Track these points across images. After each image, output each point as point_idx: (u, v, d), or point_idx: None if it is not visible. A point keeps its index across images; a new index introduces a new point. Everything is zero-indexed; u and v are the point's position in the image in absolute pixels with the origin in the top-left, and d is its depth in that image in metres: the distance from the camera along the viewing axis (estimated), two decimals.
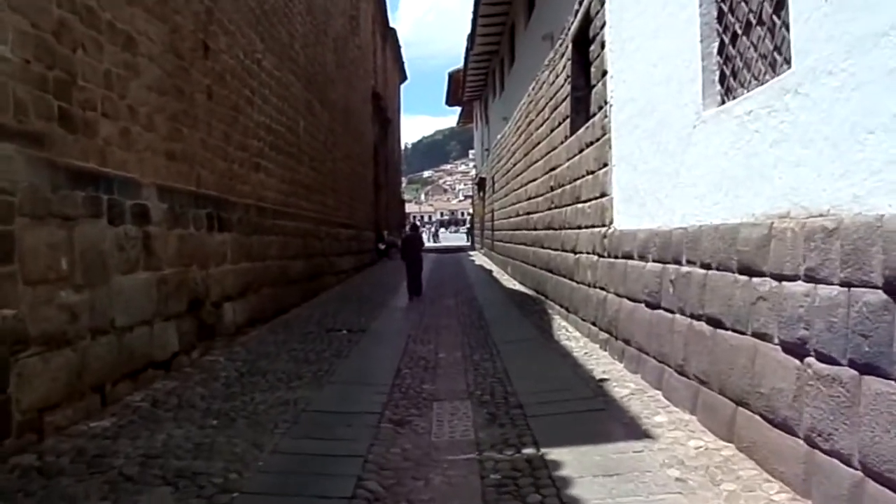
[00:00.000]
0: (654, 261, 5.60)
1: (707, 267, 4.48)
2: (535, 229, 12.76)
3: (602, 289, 7.29)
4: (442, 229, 67.60)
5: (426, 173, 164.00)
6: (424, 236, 47.13)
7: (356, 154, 20.12)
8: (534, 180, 13.14)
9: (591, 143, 7.93)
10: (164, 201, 6.38)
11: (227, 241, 8.15)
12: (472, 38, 22.36)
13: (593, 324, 7.66)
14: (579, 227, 8.60)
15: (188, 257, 6.91)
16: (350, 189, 18.72)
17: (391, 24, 32.35)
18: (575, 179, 8.90)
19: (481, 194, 31.26)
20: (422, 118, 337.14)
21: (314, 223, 13.38)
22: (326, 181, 15.08)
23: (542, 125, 12.15)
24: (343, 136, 17.57)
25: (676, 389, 4.90)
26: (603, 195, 7.41)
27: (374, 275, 19.35)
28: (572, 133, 9.28)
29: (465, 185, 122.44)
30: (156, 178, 6.30)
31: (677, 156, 5.23)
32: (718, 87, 4.73)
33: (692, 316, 4.69)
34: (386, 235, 27.69)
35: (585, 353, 7.13)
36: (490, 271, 19.89)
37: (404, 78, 38.53)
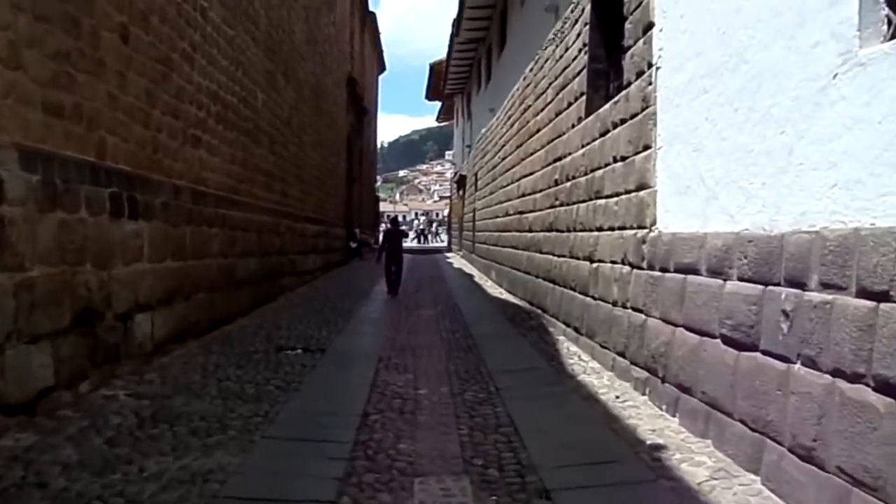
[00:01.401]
0: (743, 279, 3.84)
1: (880, 297, 2.72)
2: (531, 231, 10.99)
3: (638, 311, 5.52)
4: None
5: (402, 173, 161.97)
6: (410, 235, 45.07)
7: (327, 142, 18.17)
8: (529, 175, 11.38)
9: (623, 122, 6.18)
10: (34, 171, 4.45)
11: (145, 231, 6.22)
12: (457, 22, 20.58)
13: (621, 355, 5.89)
14: (598, 230, 6.84)
15: (76, 252, 4.98)
16: (319, 180, 16.78)
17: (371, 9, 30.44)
18: (593, 170, 7.14)
19: (460, 193, 29.50)
20: (399, 117, 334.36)
21: (273, 216, 11.44)
22: (290, 168, 13.14)
23: (542, 110, 10.39)
24: (312, 120, 15.64)
25: (801, 485, 3.13)
26: (641, 187, 5.65)
27: (343, 276, 17.42)
28: (589, 113, 7.52)
29: (440, 185, 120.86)
30: (22, 138, 4.36)
31: (793, 124, 3.48)
32: (887, 9, 2.98)
33: (841, 375, 2.92)
34: (358, 233, 25.75)
35: (617, 396, 5.35)
36: (471, 276, 18.10)
37: (383, 68, 36.59)
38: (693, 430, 4.30)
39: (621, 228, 6.10)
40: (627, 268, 5.86)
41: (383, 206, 73.27)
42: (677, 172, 5.00)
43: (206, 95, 8.02)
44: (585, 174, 7.47)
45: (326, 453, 4.17)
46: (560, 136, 9.01)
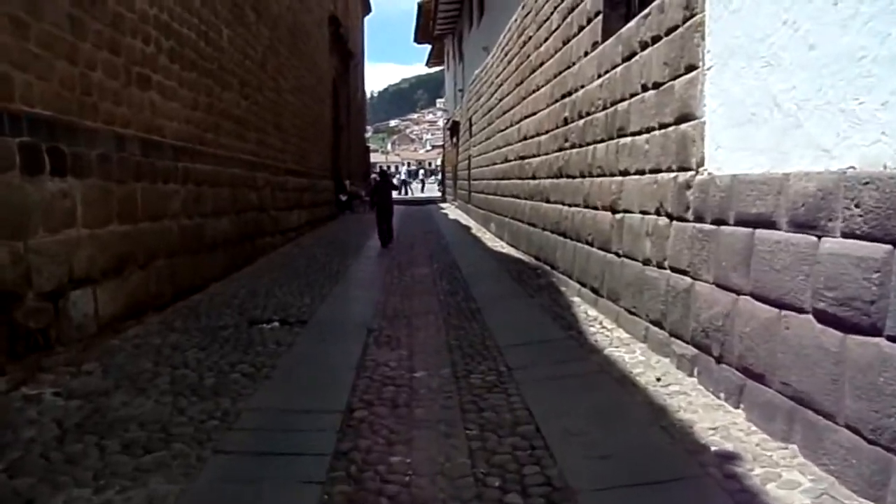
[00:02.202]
0: (854, 235, 2.81)
1: None
2: (535, 178, 9.89)
3: (681, 272, 4.50)
4: (413, 180, 58.43)
5: (392, 122, 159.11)
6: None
7: (310, 87, 16.82)
8: (532, 115, 10.21)
9: (656, 40, 5.03)
10: None
11: (77, 191, 5.12)
12: None
13: (656, 324, 4.89)
14: (623, 174, 5.76)
15: None
16: (301, 129, 15.52)
17: None
18: (614, 103, 6.01)
19: (454, 140, 28.19)
20: (388, 66, 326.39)
21: (248, 168, 10.29)
22: (267, 116, 11.90)
23: (546, 40, 9.16)
24: (291, 63, 14.29)
25: None
26: (682, 119, 4.56)
27: (331, 232, 16.35)
28: (607, 36, 6.35)
29: (432, 134, 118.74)
30: None
31: None
32: None
33: None
34: (348, 185, 24.52)
35: (658, 378, 4.37)
36: (468, 228, 17.06)
37: (368, 9, 34.60)
38: (770, 430, 3.34)
39: (654, 171, 5.03)
40: (664, 219, 4.81)
41: (375, 157, 71.47)
42: (736, 97, 3.91)
43: (154, 27, 6.79)
44: (604, 109, 6.35)
45: (297, 474, 3.21)
46: (569, 67, 7.83)
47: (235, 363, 4.99)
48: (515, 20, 12.01)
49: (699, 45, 4.33)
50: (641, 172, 5.31)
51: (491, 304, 7.18)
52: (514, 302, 7.30)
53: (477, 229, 16.32)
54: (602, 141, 6.39)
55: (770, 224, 3.44)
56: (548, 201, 8.89)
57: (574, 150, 7.49)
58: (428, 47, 36.16)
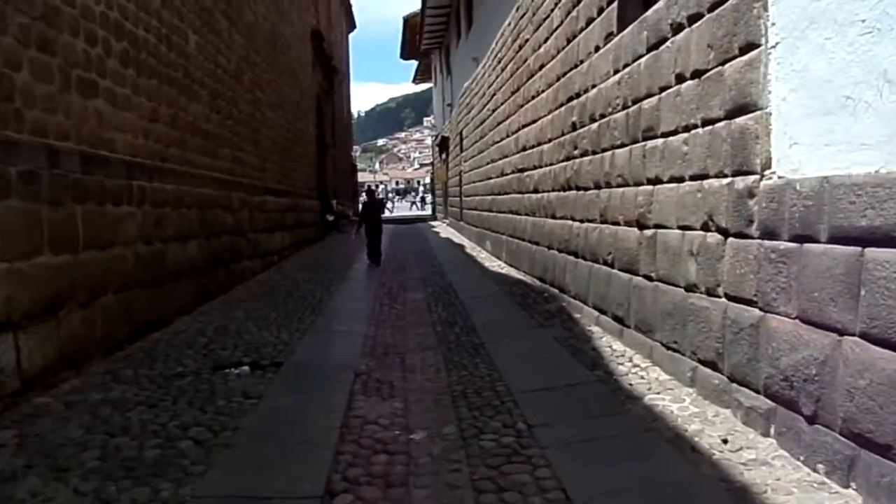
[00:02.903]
0: None
1: None
2: (537, 191, 9.01)
3: (744, 302, 3.58)
4: (398, 197, 57.09)
5: (380, 141, 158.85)
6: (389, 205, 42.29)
7: (292, 103, 15.94)
8: (531, 123, 9.35)
9: (696, 18, 4.16)
10: None
11: None
12: None
13: (709, 365, 3.96)
14: (653, 182, 4.86)
15: None
16: (283, 146, 14.61)
17: None
18: (638, 99, 5.13)
19: (443, 156, 27.38)
20: (375, 85, 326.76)
21: (221, 187, 9.33)
22: (243, 131, 10.98)
23: (546, 40, 8.33)
24: (270, 76, 13.40)
25: None
26: (738, 111, 3.67)
27: (316, 254, 15.36)
28: (624, 25, 5.49)
29: (420, 153, 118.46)
30: None
31: None
32: None
33: None
34: (335, 205, 23.60)
35: (724, 440, 3.41)
36: (461, 247, 16.14)
37: (353, 26, 33.96)
38: None
39: (698, 177, 4.13)
40: (716, 236, 3.90)
41: (363, 177, 70.57)
42: (819, 78, 3.03)
43: (101, 25, 5.86)
44: (624, 108, 5.47)
45: None
46: (576, 67, 6.98)
47: (189, 425, 4.01)
48: (509, 24, 11.21)
49: (760, 18, 3.46)
50: (678, 179, 4.41)
51: (496, 336, 6.24)
52: (522, 333, 6.36)
53: (471, 248, 15.40)
54: (622, 146, 5.50)
55: (891, 241, 2.54)
56: (553, 217, 7.98)
57: (586, 159, 6.60)
58: (414, 64, 35.52)
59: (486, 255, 13.73)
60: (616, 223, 5.66)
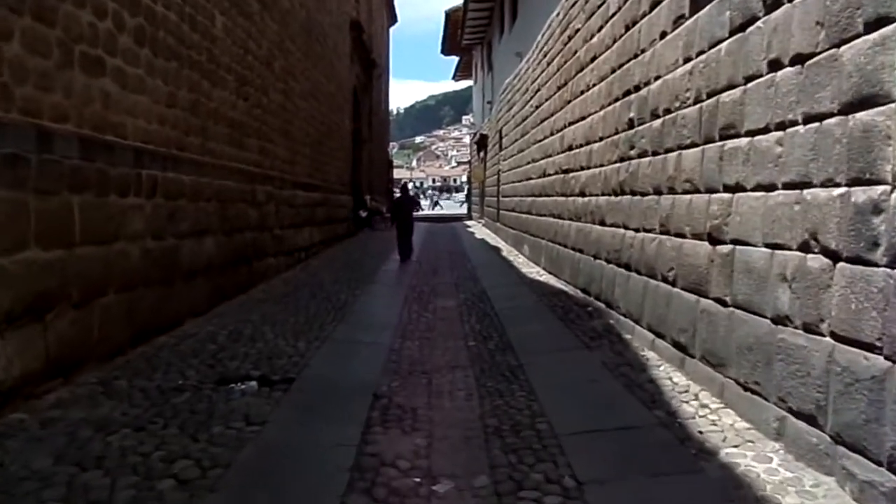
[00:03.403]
0: None
1: None
2: (583, 195, 8.26)
3: (864, 347, 2.81)
4: (444, 195, 55.54)
5: (418, 139, 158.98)
6: (425, 203, 42.27)
7: (327, 94, 15.42)
8: (579, 120, 8.61)
9: None
10: None
11: None
12: None
13: (805, 418, 3.20)
14: (733, 189, 4.10)
15: None
16: (316, 138, 14.09)
17: None
18: (715, 92, 4.37)
19: (481, 155, 26.67)
20: (414, 83, 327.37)
21: (245, 180, 8.80)
22: (273, 122, 10.45)
23: (600, 29, 7.58)
24: (305, 65, 12.88)
25: None
26: (859, 105, 2.91)
27: (346, 252, 14.81)
28: (698, 6, 4.73)
29: (458, 151, 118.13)
30: None
31: None
32: None
33: None
34: (369, 201, 23.10)
35: None
36: (497, 249, 15.43)
37: (394, 20, 33.42)
38: None
39: (797, 186, 3.37)
40: (821, 258, 3.14)
41: (399, 173, 70.27)
42: None
43: None
44: (696, 102, 4.71)
45: None
46: (635, 56, 6.22)
47: (175, 457, 3.41)
48: (557, 14, 10.47)
49: None
50: (768, 187, 3.65)
51: (536, 358, 5.54)
52: (566, 355, 5.64)
53: (508, 251, 14.68)
54: (692, 145, 4.75)
55: None
56: (602, 223, 7.23)
57: (644, 160, 5.84)
58: (454, 61, 34.92)
59: (523, 259, 12.99)
60: (680, 235, 4.91)
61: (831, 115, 3.11)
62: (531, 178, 12.66)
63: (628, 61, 6.45)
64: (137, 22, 5.78)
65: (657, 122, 5.52)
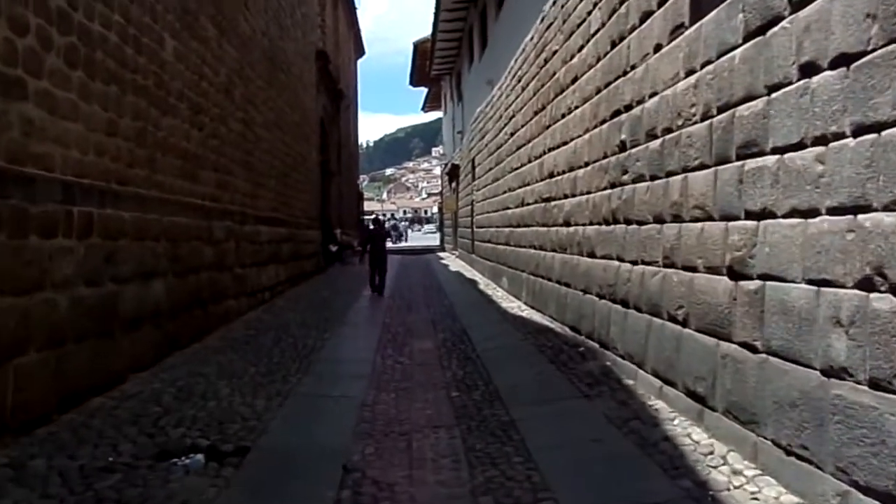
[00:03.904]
0: None
1: None
2: (568, 224, 7.69)
3: None
4: (414, 226, 54.08)
5: (388, 171, 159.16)
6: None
7: (292, 125, 14.79)
8: (561, 145, 8.09)
9: None
10: None
11: None
12: None
13: (883, 498, 2.59)
14: (759, 216, 3.53)
15: None
16: (281, 171, 13.41)
17: None
18: (728, 106, 3.83)
19: (453, 185, 26.21)
20: (384, 116, 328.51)
21: (201, 216, 8.07)
22: (234, 153, 9.76)
23: (582, 48, 7.11)
24: (268, 93, 12.25)
25: None
26: None
27: (315, 290, 14.02)
28: (699, 14, 4.23)
29: (428, 182, 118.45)
30: None
31: None
32: None
33: None
34: (339, 235, 22.36)
35: None
36: (474, 282, 14.80)
37: (362, 52, 33.12)
38: None
39: (849, 210, 2.81)
40: (892, 300, 2.56)
41: (370, 206, 69.49)
42: None
43: (35, 11, 4.64)
44: (704, 118, 4.17)
45: None
46: (624, 73, 5.72)
47: None
48: (531, 38, 10.05)
49: None
50: (808, 213, 3.09)
51: (530, 410, 4.87)
52: (563, 406, 4.98)
53: (485, 284, 14.06)
54: (702, 167, 4.19)
55: None
56: (592, 255, 6.65)
57: (641, 185, 5.29)
58: (423, 94, 34.71)
59: (502, 293, 12.37)
60: (691, 268, 4.32)
61: (894, 123, 2.56)
62: (508, 208, 12.12)
63: (616, 79, 5.94)
64: (69, 41, 5.09)
65: (655, 144, 4.98)
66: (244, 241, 10.00)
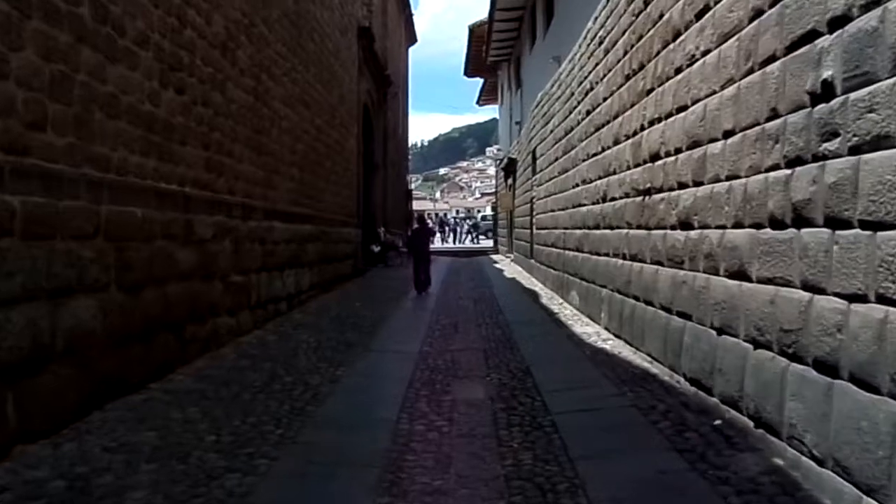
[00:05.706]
0: None
1: None
2: (689, 226, 5.26)
3: None
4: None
5: (442, 171, 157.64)
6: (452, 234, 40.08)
7: (325, 105, 12.70)
8: (677, 112, 5.66)
9: None
10: None
11: None
12: None
13: None
14: None
15: None
16: (308, 158, 11.32)
17: None
18: None
19: (509, 182, 23.84)
20: (439, 116, 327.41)
21: (173, 207, 5.97)
22: (236, 129, 7.67)
23: None
24: (291, 63, 10.16)
25: None
26: None
27: (346, 298, 11.84)
28: None
29: (481, 182, 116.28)
30: None
31: None
32: None
33: None
34: (383, 234, 20.28)
35: None
36: (535, 294, 12.40)
37: (413, 39, 31.02)
38: None
39: None
40: None
41: (423, 205, 67.49)
42: None
43: None
44: None
45: None
46: None
47: None
48: None
49: None
50: None
51: None
52: None
53: (549, 298, 11.64)
54: None
55: None
56: (740, 277, 4.21)
57: (870, 157, 2.85)
58: (479, 85, 32.47)
59: (570, 311, 9.96)
60: None
61: None
62: (581, 205, 9.69)
63: None
64: None
65: None
66: (247, 240, 7.88)
